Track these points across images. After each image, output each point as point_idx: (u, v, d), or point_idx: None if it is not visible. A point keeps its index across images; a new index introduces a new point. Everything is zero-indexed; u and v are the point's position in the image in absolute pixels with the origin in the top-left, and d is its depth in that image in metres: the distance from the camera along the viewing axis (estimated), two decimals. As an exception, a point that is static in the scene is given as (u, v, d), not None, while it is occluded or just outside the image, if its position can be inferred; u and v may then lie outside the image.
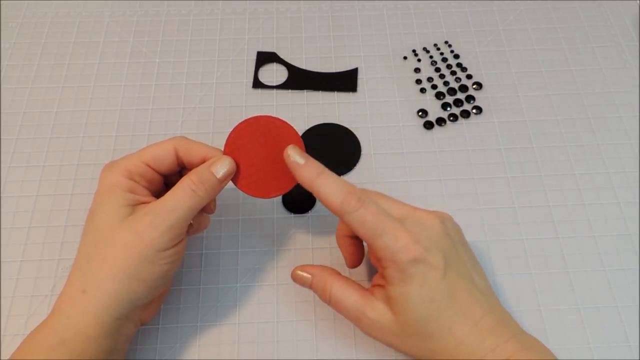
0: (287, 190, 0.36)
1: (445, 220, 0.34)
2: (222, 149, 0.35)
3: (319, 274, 0.35)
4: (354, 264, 0.38)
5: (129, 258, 0.31)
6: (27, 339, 0.31)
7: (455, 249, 0.33)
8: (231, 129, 0.35)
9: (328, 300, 0.35)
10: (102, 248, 0.31)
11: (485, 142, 0.47)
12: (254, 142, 0.35)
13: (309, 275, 0.35)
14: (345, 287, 0.34)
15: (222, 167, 0.34)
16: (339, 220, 0.38)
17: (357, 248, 0.38)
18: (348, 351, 0.38)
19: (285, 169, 0.35)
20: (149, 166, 0.34)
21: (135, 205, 0.33)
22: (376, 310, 0.33)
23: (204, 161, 0.34)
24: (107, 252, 0.31)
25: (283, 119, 0.35)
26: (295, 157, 0.34)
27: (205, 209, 0.37)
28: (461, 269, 0.32)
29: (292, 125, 0.35)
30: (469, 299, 0.31)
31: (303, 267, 0.36)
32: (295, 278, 0.36)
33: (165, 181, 0.37)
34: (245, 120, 0.35)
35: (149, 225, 0.31)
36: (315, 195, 0.33)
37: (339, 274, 0.35)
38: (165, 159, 0.34)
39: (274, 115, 0.36)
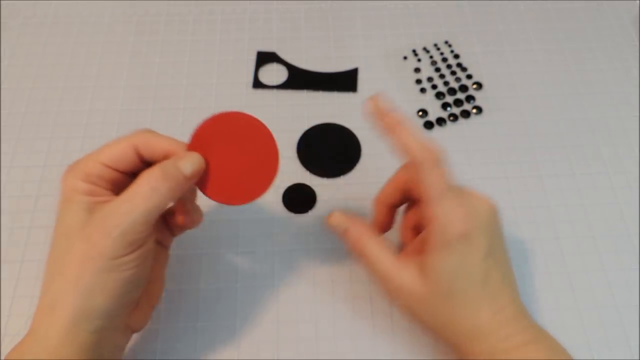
0: (259, 195, 0.32)
1: (495, 206, 0.33)
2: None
3: (355, 226, 0.35)
4: (383, 230, 0.39)
5: (84, 269, 0.28)
6: (6, 358, 0.30)
7: (500, 234, 0.34)
8: (196, 126, 0.32)
9: (358, 254, 0.34)
10: (61, 260, 0.29)
11: (485, 142, 0.47)
12: (221, 141, 0.31)
13: (344, 224, 0.35)
14: (379, 247, 0.34)
15: (190, 163, 0.30)
16: (384, 186, 0.38)
17: (390, 218, 0.38)
18: (348, 351, 0.38)
19: (256, 171, 0.32)
20: (107, 166, 0.30)
21: (96, 208, 0.30)
22: (406, 277, 0.32)
23: (167, 157, 0.31)
24: (65, 264, 0.29)
25: (254, 115, 0.32)
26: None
27: (186, 221, 0.35)
28: (500, 255, 0.33)
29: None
30: (500, 286, 0.32)
31: (340, 215, 0.35)
32: (330, 224, 0.35)
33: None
34: (212, 117, 0.32)
35: (101, 232, 0.28)
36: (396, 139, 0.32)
37: (374, 231, 0.35)
38: (123, 158, 0.31)
39: (250, 114, 0.32)
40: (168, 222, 0.35)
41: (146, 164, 0.31)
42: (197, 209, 0.36)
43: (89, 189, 0.30)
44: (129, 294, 0.30)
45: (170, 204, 0.30)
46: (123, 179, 0.31)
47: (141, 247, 0.29)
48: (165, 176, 0.29)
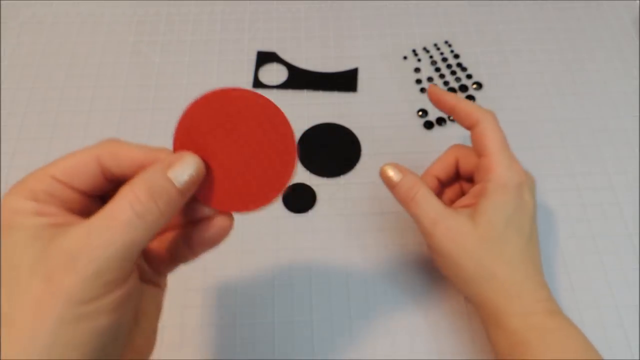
0: (276, 195, 0.25)
1: None
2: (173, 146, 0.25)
3: (408, 176, 0.35)
4: None
5: (43, 319, 0.20)
6: None
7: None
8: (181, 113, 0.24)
9: (410, 200, 0.34)
10: (8, 309, 0.21)
11: (485, 142, 0.47)
12: (218, 131, 0.24)
13: (399, 174, 0.35)
14: (430, 194, 0.34)
15: (186, 168, 0.23)
16: (434, 162, 0.39)
17: (438, 190, 0.39)
18: (346, 351, 0.38)
19: (270, 166, 0.24)
20: (60, 182, 0.23)
21: (50, 234, 0.21)
22: (457, 219, 0.33)
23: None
24: (14, 314, 0.20)
25: (257, 91, 0.24)
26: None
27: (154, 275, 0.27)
28: (536, 225, 0.35)
29: (281, 110, 0.24)
30: (538, 250, 0.34)
31: (393, 167, 0.35)
32: (383, 175, 0.35)
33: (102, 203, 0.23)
34: (202, 98, 0.24)
35: (66, 269, 0.20)
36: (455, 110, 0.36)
37: (424, 182, 0.35)
38: (82, 172, 0.23)
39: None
40: (151, 255, 0.27)
41: (113, 183, 0.24)
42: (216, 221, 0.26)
43: (36, 209, 0.22)
44: (105, 351, 0.22)
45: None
46: (81, 202, 0.24)
47: (120, 286, 0.22)
48: (153, 193, 0.22)
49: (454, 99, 0.36)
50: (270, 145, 0.24)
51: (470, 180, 0.37)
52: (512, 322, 0.31)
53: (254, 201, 0.24)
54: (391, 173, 0.35)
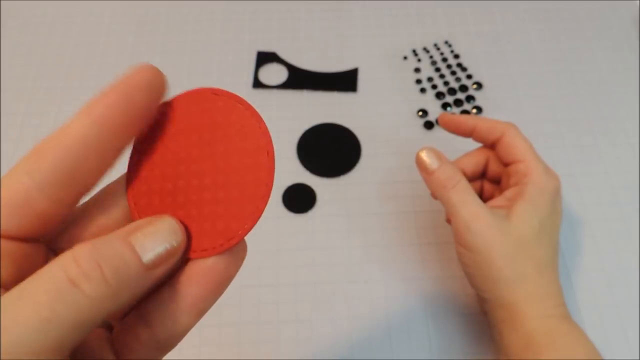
0: (255, 221, 0.18)
1: None
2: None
3: (449, 163, 0.35)
4: None
5: None
6: None
7: None
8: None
9: (449, 188, 0.33)
10: None
11: (485, 142, 0.47)
12: (181, 149, 0.19)
13: (437, 161, 0.34)
14: (470, 188, 0.34)
15: (158, 239, 0.16)
16: (462, 156, 0.38)
17: None
18: (346, 351, 0.38)
19: (249, 183, 0.18)
20: None
21: None
22: (497, 217, 0.33)
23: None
24: None
25: (228, 91, 0.19)
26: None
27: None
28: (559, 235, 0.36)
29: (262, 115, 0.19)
30: (557, 258, 0.35)
31: (432, 151, 0.35)
32: (420, 159, 0.35)
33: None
34: (167, 103, 0.19)
35: None
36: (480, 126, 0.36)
37: (463, 173, 0.35)
38: (15, 212, 0.16)
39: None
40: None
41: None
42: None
43: None
44: None
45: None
46: (31, 253, 0.16)
47: None
48: (103, 262, 0.15)
49: (472, 120, 0.36)
50: (238, 165, 0.18)
51: (496, 182, 0.38)
52: (529, 324, 0.32)
53: (228, 235, 0.18)
54: (427, 159, 0.35)
